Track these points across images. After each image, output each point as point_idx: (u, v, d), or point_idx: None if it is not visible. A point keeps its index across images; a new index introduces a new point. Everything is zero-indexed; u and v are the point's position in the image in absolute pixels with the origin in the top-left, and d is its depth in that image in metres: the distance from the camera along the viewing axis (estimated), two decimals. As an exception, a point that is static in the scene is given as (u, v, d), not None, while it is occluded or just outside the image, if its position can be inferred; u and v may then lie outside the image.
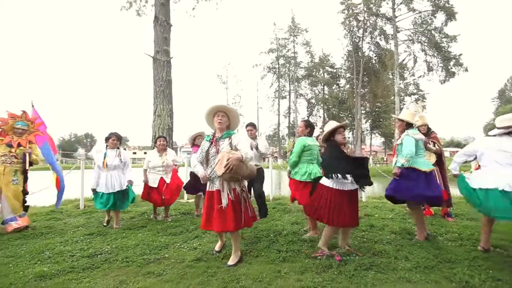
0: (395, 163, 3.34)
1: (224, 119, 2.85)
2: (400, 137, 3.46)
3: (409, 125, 3.39)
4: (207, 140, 2.90)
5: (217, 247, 3.09)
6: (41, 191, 5.49)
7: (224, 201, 2.70)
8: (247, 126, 4.62)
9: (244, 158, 2.61)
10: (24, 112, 4.15)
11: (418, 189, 3.12)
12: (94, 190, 4.13)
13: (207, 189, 2.87)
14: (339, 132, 2.92)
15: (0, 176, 3.88)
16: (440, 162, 4.63)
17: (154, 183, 4.52)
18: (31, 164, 4.09)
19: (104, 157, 4.10)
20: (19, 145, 4.03)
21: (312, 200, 2.96)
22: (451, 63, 24.75)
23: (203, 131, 5.08)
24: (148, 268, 2.63)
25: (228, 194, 2.72)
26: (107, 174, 4.08)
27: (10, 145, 3.98)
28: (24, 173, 4.09)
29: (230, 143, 2.77)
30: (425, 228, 3.37)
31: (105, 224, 4.25)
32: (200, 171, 2.84)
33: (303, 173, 3.58)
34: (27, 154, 4.05)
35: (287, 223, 4.15)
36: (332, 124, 2.96)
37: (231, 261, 2.72)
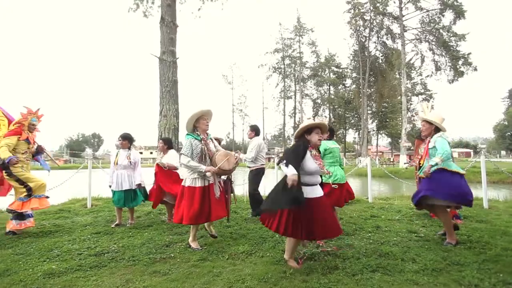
0: (424, 165, 3.26)
1: (209, 122, 3.33)
2: (429, 140, 3.31)
3: (437, 130, 3.26)
4: (197, 139, 3.20)
5: (196, 245, 3.20)
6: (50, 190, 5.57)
7: (218, 192, 3.16)
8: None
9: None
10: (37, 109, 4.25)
11: (459, 189, 3.05)
12: (110, 186, 4.36)
13: (197, 185, 3.12)
14: (317, 132, 2.65)
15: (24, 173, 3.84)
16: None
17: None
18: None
19: (116, 156, 4.32)
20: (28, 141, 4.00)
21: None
22: (460, 62, 24.37)
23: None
24: (154, 267, 2.65)
25: (219, 186, 3.21)
26: (117, 172, 4.27)
27: (28, 142, 3.97)
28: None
29: (214, 143, 3.35)
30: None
31: (113, 226, 4.18)
32: (203, 166, 3.10)
33: (328, 176, 3.52)
34: (45, 150, 4.23)
35: (292, 224, 4.13)
36: (308, 122, 2.68)
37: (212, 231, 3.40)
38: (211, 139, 3.35)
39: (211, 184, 3.15)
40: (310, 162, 2.53)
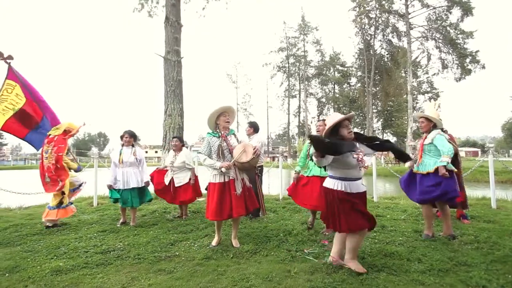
0: (429, 164, 3.34)
1: (230, 119, 3.27)
2: (426, 136, 3.41)
3: (434, 125, 3.35)
4: (215, 136, 3.19)
5: (214, 242, 3.23)
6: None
7: (239, 189, 3.06)
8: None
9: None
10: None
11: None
12: (110, 186, 4.20)
13: (217, 180, 3.12)
14: (344, 125, 2.47)
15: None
16: (455, 162, 4.49)
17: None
18: None
19: (120, 154, 4.21)
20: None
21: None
22: (467, 60, 23.95)
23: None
24: (159, 265, 2.67)
25: (241, 181, 3.11)
26: (123, 170, 4.17)
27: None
28: None
29: (237, 138, 3.26)
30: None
31: (118, 225, 4.19)
32: (219, 163, 3.07)
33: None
34: None
35: (297, 223, 4.13)
36: (336, 116, 2.48)
37: (236, 244, 3.16)
38: (233, 134, 3.29)
39: (231, 180, 3.10)
40: (349, 157, 2.40)
